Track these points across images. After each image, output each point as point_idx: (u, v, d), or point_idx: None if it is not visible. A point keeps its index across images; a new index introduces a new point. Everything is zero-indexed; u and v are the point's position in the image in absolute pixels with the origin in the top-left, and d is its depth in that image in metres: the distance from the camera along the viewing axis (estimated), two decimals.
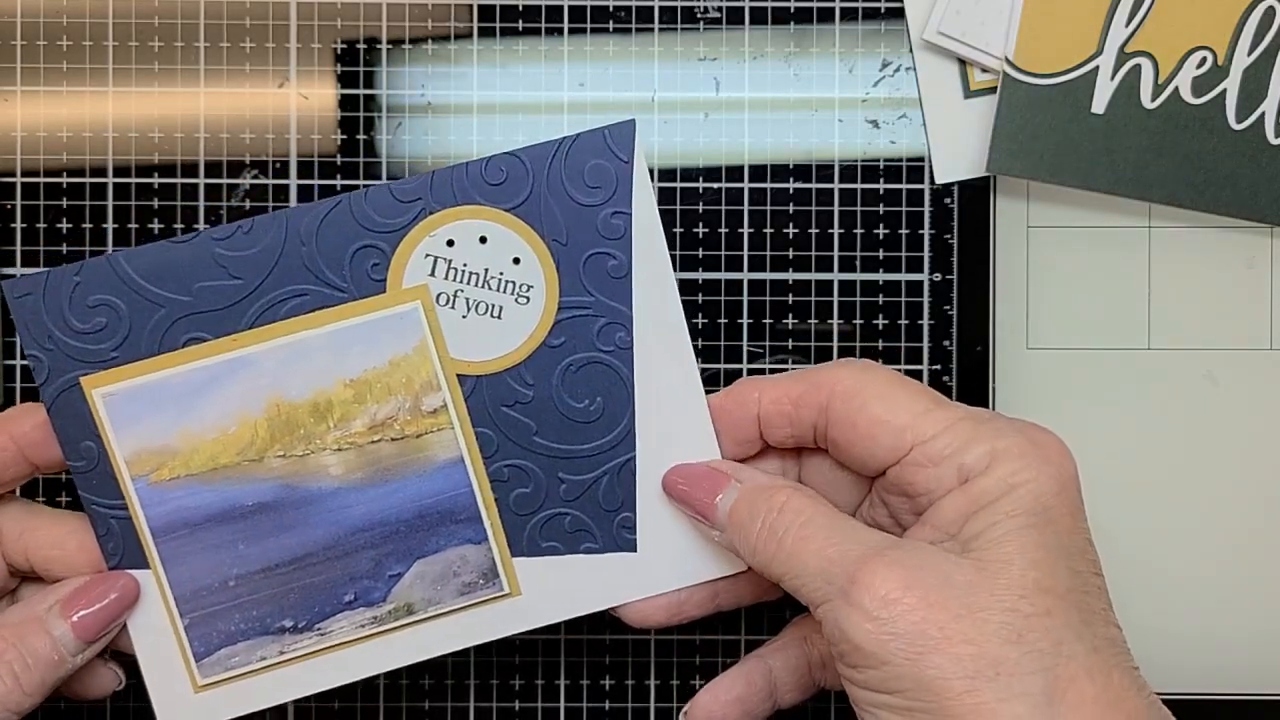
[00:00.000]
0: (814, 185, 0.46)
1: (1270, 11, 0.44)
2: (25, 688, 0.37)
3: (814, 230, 0.46)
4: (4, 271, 0.45)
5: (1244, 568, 0.46)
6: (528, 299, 0.39)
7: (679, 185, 0.46)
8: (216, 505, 0.39)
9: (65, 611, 0.38)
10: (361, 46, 0.45)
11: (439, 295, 0.39)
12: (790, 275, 0.45)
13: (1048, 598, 0.33)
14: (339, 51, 0.45)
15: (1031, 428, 0.36)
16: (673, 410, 0.40)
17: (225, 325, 0.38)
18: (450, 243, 0.39)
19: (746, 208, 0.46)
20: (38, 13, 0.45)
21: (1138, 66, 0.44)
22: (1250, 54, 0.44)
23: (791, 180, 0.46)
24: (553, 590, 0.40)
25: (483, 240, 0.39)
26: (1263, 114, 0.44)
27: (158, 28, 0.45)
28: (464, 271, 0.39)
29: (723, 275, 0.45)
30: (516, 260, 0.39)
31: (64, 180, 0.45)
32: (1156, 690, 0.34)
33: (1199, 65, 0.44)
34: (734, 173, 0.46)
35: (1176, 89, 0.44)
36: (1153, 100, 0.44)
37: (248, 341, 0.38)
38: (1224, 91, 0.44)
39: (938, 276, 0.46)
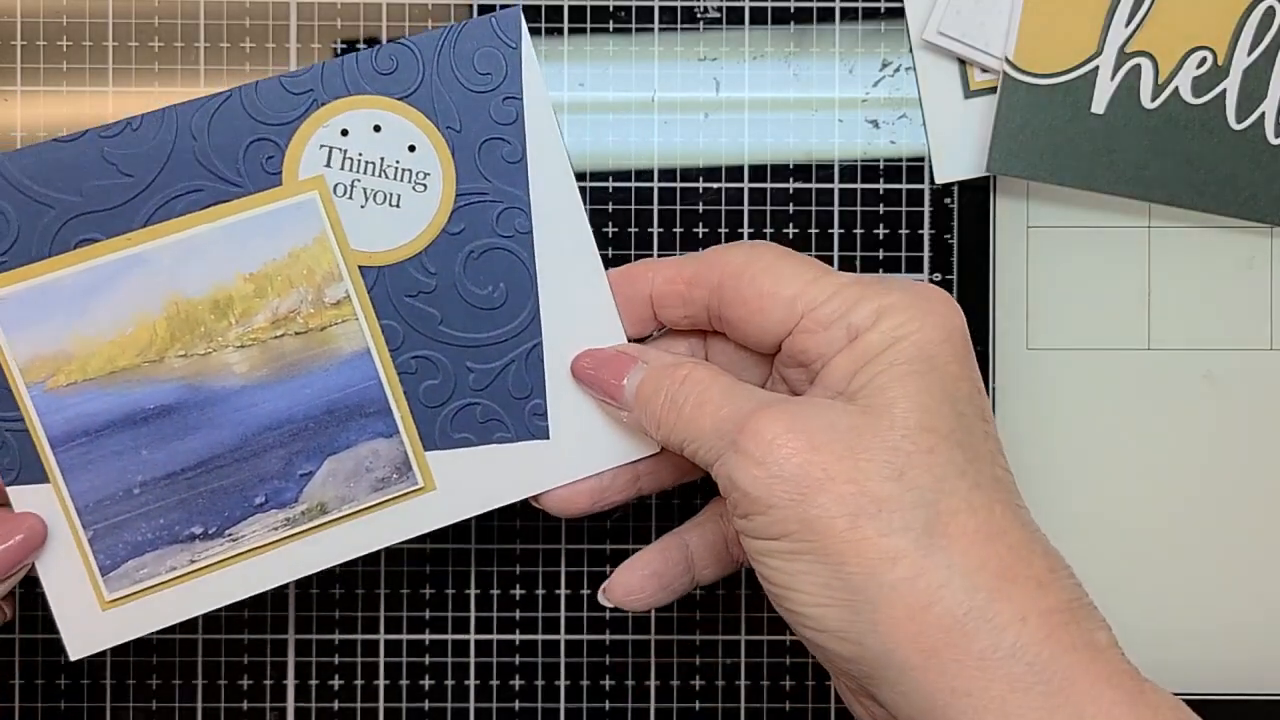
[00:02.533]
0: (814, 185, 0.46)
1: (1270, 11, 0.44)
2: None
3: (814, 230, 0.46)
4: None
5: (1244, 567, 0.46)
6: (425, 186, 0.39)
7: (679, 185, 0.46)
8: (117, 410, 0.38)
9: None
10: (361, 47, 0.45)
11: (336, 186, 0.38)
12: None
13: (931, 437, 0.33)
14: (339, 51, 0.45)
15: (918, 285, 0.36)
16: (576, 294, 0.40)
17: (118, 224, 0.38)
18: (344, 132, 0.38)
19: (746, 208, 0.46)
20: (38, 13, 0.45)
21: (1138, 66, 0.44)
22: (1250, 54, 0.44)
23: (791, 180, 0.46)
24: (468, 483, 0.40)
25: (377, 129, 0.39)
26: (1263, 114, 0.44)
27: (158, 28, 0.45)
28: (360, 161, 0.39)
29: None
30: (412, 148, 0.39)
31: None
32: None
33: (1199, 65, 0.44)
34: (734, 173, 0.46)
35: (1176, 89, 0.44)
36: (1153, 100, 0.44)
37: (142, 239, 0.38)
38: (1224, 91, 0.44)
39: (938, 276, 0.46)
